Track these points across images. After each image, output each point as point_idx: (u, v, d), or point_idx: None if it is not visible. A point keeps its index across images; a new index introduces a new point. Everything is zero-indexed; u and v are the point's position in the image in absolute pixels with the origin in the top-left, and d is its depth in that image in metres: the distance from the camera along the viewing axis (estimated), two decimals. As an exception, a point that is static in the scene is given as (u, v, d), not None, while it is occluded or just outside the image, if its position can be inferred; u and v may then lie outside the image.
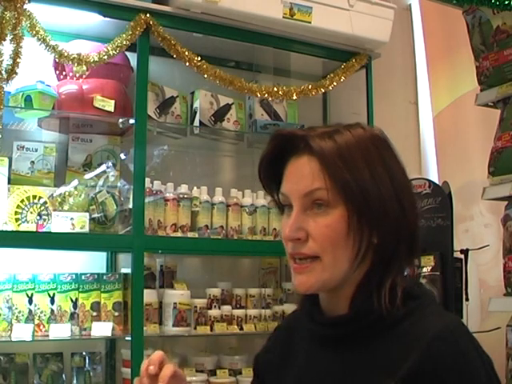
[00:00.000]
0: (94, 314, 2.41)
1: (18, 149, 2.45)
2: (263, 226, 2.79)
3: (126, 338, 2.41)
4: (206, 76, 2.57)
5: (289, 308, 2.77)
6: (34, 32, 2.23)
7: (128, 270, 2.48)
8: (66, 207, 2.41)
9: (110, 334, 2.39)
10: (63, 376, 2.42)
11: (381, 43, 2.92)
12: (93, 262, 2.65)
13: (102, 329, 2.38)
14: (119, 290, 2.46)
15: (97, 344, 2.56)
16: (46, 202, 2.41)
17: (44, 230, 2.37)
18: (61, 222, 2.33)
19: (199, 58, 2.54)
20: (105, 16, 2.46)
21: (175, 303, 2.52)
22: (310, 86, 2.79)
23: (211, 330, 2.60)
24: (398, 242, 1.01)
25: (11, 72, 2.17)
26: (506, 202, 2.57)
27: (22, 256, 2.44)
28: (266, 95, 2.72)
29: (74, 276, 2.42)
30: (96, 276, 2.46)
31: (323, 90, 2.84)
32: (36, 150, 2.47)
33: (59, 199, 2.42)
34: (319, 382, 1.03)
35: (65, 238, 2.33)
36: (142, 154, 2.44)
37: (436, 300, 1.11)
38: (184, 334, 2.56)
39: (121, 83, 2.57)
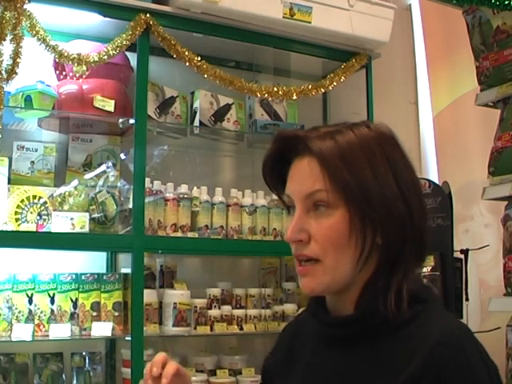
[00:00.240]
0: (94, 314, 2.40)
1: (17, 149, 2.45)
2: (263, 226, 2.79)
3: (126, 338, 2.40)
4: (206, 76, 2.57)
5: (289, 308, 2.77)
6: (34, 32, 2.23)
7: (128, 270, 2.48)
8: (66, 207, 2.41)
9: (109, 334, 2.39)
10: (63, 376, 2.42)
11: (381, 43, 2.92)
12: (93, 261, 2.65)
13: (102, 329, 2.38)
14: (119, 290, 2.46)
15: (97, 344, 2.56)
16: (45, 202, 2.41)
17: (44, 230, 2.37)
18: (61, 222, 2.33)
19: (199, 58, 2.54)
20: (105, 16, 2.46)
21: (175, 303, 2.52)
22: (310, 86, 2.79)
23: (211, 330, 2.60)
24: (403, 242, 0.99)
25: (11, 72, 2.17)
26: (506, 202, 2.57)
27: (22, 256, 2.44)
28: (266, 95, 2.72)
29: (73, 276, 2.42)
30: (96, 276, 2.46)
31: (323, 90, 2.84)
32: (36, 150, 2.47)
33: (59, 199, 2.42)
34: (324, 381, 1.03)
35: (65, 238, 2.33)
36: (142, 154, 2.44)
37: (442, 304, 1.09)
38: (184, 334, 2.56)
39: (121, 83, 2.57)
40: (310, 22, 2.71)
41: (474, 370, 0.91)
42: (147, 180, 2.50)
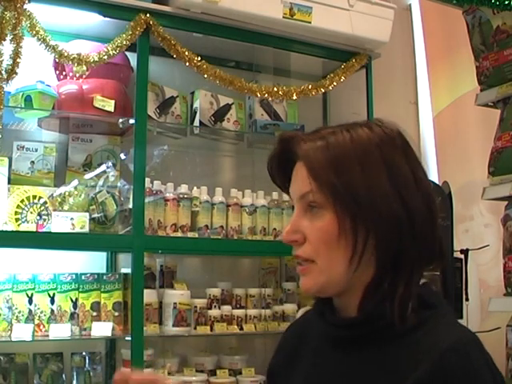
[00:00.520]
0: (94, 314, 2.40)
1: (18, 149, 2.45)
2: (263, 226, 2.79)
3: (126, 338, 2.40)
4: (206, 76, 2.57)
5: (289, 308, 2.77)
6: (34, 32, 2.23)
7: (128, 270, 2.48)
8: (66, 207, 2.41)
9: (110, 334, 2.39)
10: (63, 376, 2.42)
11: (381, 43, 2.92)
12: (93, 261, 2.65)
13: (102, 329, 2.38)
14: (119, 290, 2.46)
15: (97, 344, 2.56)
16: (46, 202, 2.41)
17: (44, 230, 2.37)
18: (61, 222, 2.33)
19: (199, 58, 2.54)
20: (105, 16, 2.46)
21: (175, 303, 2.52)
22: (310, 86, 2.79)
23: (211, 330, 2.60)
24: (400, 242, 0.98)
25: (11, 72, 2.17)
26: (506, 202, 2.57)
27: (22, 256, 2.44)
28: (266, 95, 2.72)
29: (73, 276, 2.42)
30: (96, 276, 2.46)
31: (323, 90, 2.84)
32: (36, 150, 2.47)
33: (59, 199, 2.42)
34: (327, 382, 1.03)
35: (65, 238, 2.33)
36: (142, 153, 2.44)
37: (451, 311, 1.08)
38: (184, 334, 2.56)
39: (121, 83, 2.57)
40: (310, 22, 2.71)
41: (479, 378, 0.91)
42: (147, 180, 2.50)
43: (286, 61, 3.01)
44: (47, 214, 2.39)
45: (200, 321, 2.59)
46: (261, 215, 2.80)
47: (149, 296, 2.47)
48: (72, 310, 2.38)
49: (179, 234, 2.59)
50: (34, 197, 2.39)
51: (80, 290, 2.42)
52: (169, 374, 2.53)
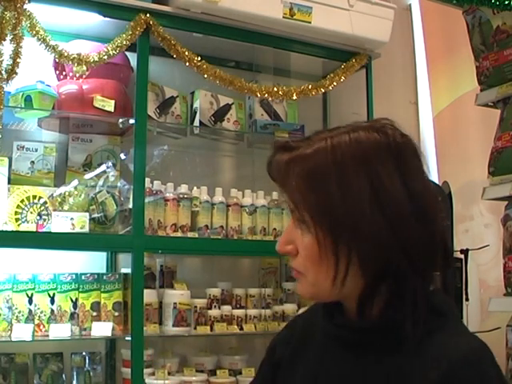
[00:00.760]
0: (94, 314, 2.40)
1: (18, 149, 2.45)
2: (263, 226, 2.79)
3: (126, 338, 2.40)
4: (206, 76, 2.57)
5: (289, 308, 2.77)
6: (34, 32, 2.23)
7: (128, 270, 2.48)
8: (66, 207, 2.41)
9: (110, 334, 2.39)
10: (63, 376, 2.42)
11: (381, 43, 2.92)
12: (93, 262, 2.65)
13: (102, 329, 2.38)
14: (119, 290, 2.46)
15: (97, 344, 2.56)
16: (46, 202, 2.41)
17: (44, 230, 2.37)
18: (61, 222, 2.33)
19: (199, 58, 2.54)
20: (105, 16, 2.46)
21: (175, 303, 2.52)
22: (310, 86, 2.79)
23: (211, 330, 2.60)
24: (387, 259, 0.93)
25: (11, 72, 2.17)
26: (506, 202, 2.57)
27: (22, 256, 2.44)
28: (266, 95, 2.72)
29: (73, 276, 2.42)
30: (96, 276, 2.46)
31: (323, 90, 2.84)
32: (36, 150, 2.47)
33: (59, 199, 2.42)
34: (330, 381, 1.02)
35: (65, 238, 2.33)
36: (142, 153, 2.44)
37: (460, 317, 1.07)
38: (184, 334, 2.56)
39: (121, 83, 2.57)
40: (310, 22, 2.71)
41: None
42: (147, 180, 2.50)
43: (286, 61, 3.01)
44: (47, 214, 2.39)
45: (200, 321, 2.59)
46: (261, 215, 2.80)
47: (149, 296, 2.47)
48: (72, 310, 2.38)
49: (179, 234, 2.59)
50: (34, 197, 2.39)
51: (80, 289, 2.42)
52: (169, 373, 2.53)
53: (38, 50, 2.27)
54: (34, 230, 2.35)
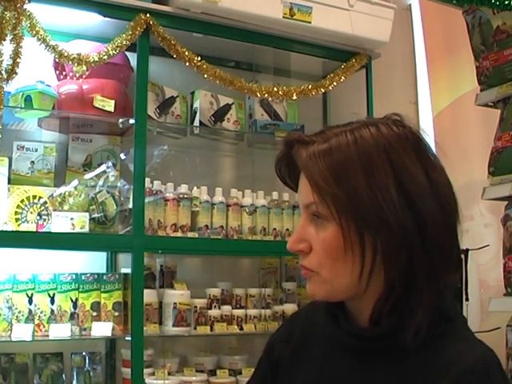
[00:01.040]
0: (94, 314, 2.41)
1: (18, 149, 2.45)
2: (263, 226, 2.79)
3: (126, 338, 2.40)
4: (206, 76, 2.57)
5: (289, 308, 2.77)
6: (34, 32, 2.23)
7: (128, 270, 2.48)
8: (66, 207, 2.41)
9: (110, 334, 2.39)
10: (63, 376, 2.42)
11: (381, 43, 2.92)
12: (93, 262, 2.65)
13: (102, 329, 2.38)
14: (119, 290, 2.46)
15: (97, 344, 2.56)
16: (46, 202, 2.41)
17: (44, 230, 2.37)
18: (61, 222, 2.33)
19: (199, 58, 2.54)
20: (105, 16, 2.46)
21: (175, 303, 2.52)
22: (310, 86, 2.79)
23: (211, 330, 2.60)
24: (411, 254, 0.93)
25: (11, 72, 2.17)
26: (506, 202, 2.57)
27: (22, 256, 2.44)
28: (266, 95, 2.72)
29: (73, 276, 2.42)
30: (96, 276, 2.46)
31: (323, 90, 2.84)
32: (36, 150, 2.47)
33: (59, 199, 2.42)
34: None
35: (65, 238, 2.33)
36: (142, 153, 2.44)
37: (466, 321, 1.03)
38: (184, 334, 2.56)
39: (121, 83, 2.57)
40: (310, 22, 2.71)
41: None
42: (147, 180, 2.50)
43: (286, 61, 3.01)
44: (47, 214, 2.39)
45: (200, 321, 2.59)
46: (261, 215, 2.80)
47: (149, 296, 2.47)
48: (72, 310, 2.38)
49: (179, 234, 2.59)
50: (34, 197, 2.39)
51: (80, 290, 2.42)
52: (169, 373, 2.53)
53: (38, 50, 2.27)
54: (34, 230, 2.35)
